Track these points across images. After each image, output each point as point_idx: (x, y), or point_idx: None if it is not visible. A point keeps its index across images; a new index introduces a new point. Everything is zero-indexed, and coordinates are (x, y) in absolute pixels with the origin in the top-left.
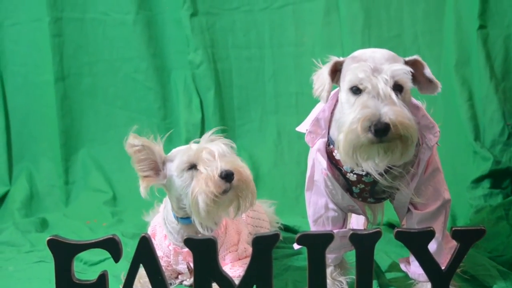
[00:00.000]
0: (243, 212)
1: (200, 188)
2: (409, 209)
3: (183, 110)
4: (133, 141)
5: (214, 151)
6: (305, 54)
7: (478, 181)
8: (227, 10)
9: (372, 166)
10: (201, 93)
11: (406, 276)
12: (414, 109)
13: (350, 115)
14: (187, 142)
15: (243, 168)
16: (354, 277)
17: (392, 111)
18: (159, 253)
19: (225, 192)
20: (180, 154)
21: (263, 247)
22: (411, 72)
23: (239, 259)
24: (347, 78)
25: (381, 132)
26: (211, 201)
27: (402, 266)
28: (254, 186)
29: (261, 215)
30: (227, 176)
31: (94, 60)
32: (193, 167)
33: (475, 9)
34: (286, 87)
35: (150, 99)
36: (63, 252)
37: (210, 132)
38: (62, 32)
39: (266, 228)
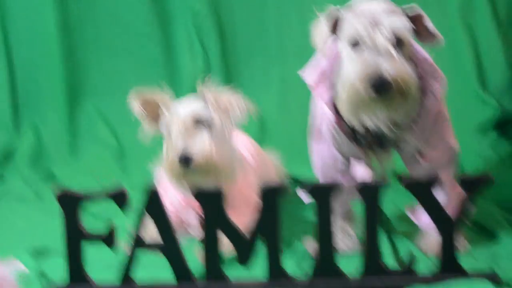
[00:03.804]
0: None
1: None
2: (416, 159)
3: (187, 58)
4: (134, 104)
5: (177, 126)
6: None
7: (485, 130)
8: None
9: (375, 122)
10: (205, 42)
11: (415, 226)
12: (419, 59)
13: (351, 71)
14: (190, 90)
15: (204, 151)
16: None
17: (393, 66)
18: (169, 207)
19: (185, 173)
20: (168, 113)
21: (271, 198)
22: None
23: (249, 210)
24: (346, 32)
25: (381, 88)
26: (173, 180)
27: (411, 216)
28: (219, 168)
29: (269, 168)
30: (184, 160)
31: (98, 12)
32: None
33: None
34: (290, 34)
35: (153, 48)
36: (71, 204)
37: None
38: None
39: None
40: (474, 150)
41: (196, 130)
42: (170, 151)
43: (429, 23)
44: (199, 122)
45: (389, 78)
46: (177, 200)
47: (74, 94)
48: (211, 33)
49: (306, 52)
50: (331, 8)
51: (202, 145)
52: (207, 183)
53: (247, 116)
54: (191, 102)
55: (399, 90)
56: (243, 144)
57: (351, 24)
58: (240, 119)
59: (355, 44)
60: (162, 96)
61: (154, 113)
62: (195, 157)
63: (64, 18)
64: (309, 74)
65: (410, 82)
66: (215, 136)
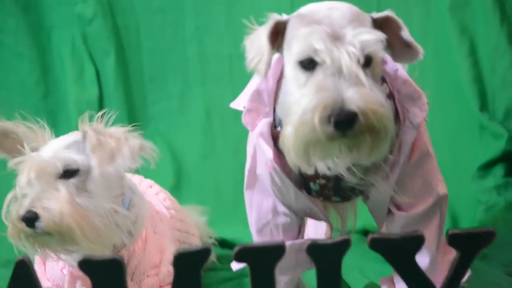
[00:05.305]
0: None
1: None
2: (390, 211)
3: (72, 84)
4: None
5: (29, 172)
6: (240, 1)
7: (488, 167)
8: None
9: (329, 166)
10: (97, 60)
11: None
12: (390, 76)
13: (302, 101)
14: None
15: (55, 211)
16: None
17: (360, 95)
18: (47, 283)
19: (31, 234)
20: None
21: (189, 267)
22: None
23: (161, 287)
24: (296, 48)
25: (345, 124)
26: (14, 241)
27: None
28: (80, 230)
29: (190, 228)
30: (27, 221)
31: None
32: None
33: None
34: (216, 48)
35: (23, 70)
36: None
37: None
38: None
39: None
40: (473, 195)
41: (55, 180)
42: (14, 204)
43: (404, 31)
44: (65, 170)
45: (355, 110)
46: (58, 273)
47: None
48: (106, 46)
49: (237, 69)
50: (273, 16)
51: (55, 203)
52: (65, 247)
53: (151, 161)
54: (63, 142)
55: (368, 126)
56: (156, 196)
57: (305, 39)
58: (135, 166)
59: (309, 64)
60: (26, 130)
61: (14, 151)
62: (42, 218)
63: None
64: (240, 99)
65: (384, 115)
66: (91, 189)
